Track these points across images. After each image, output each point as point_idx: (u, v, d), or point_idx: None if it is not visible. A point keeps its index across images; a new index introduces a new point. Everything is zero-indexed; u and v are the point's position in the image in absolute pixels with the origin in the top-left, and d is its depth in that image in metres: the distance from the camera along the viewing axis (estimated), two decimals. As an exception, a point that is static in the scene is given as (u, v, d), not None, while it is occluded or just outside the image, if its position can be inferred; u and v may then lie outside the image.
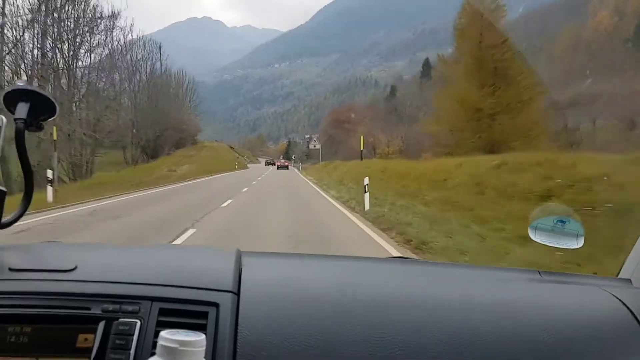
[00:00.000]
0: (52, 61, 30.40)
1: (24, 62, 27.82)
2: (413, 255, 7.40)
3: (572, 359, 0.91)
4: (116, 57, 40.45)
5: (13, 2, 27.52)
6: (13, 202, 1.05)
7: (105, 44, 37.23)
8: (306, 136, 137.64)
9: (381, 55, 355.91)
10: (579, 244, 1.29)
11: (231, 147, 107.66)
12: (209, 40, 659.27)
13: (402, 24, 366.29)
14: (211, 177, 40.05)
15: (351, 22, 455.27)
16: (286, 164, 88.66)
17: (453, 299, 1.04)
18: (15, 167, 14.05)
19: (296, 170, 69.43)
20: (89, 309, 0.85)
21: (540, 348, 0.91)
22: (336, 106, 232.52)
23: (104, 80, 38.21)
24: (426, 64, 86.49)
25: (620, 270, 1.30)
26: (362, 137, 32.29)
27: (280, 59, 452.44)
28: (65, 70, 31.71)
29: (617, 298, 1.08)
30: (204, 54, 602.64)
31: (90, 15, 33.68)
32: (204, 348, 0.70)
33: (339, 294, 1.01)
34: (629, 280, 1.24)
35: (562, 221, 1.31)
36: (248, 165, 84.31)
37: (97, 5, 38.51)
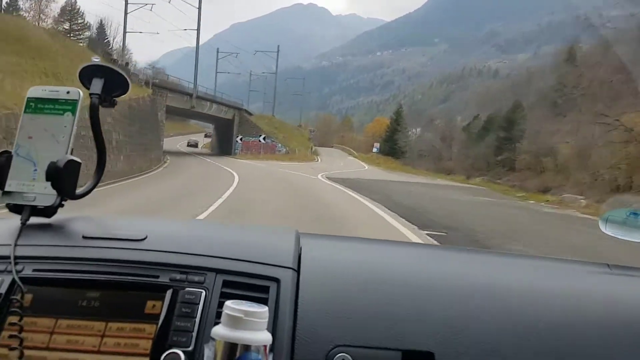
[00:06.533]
0: None
1: None
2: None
3: None
4: None
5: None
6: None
7: None
8: (412, 130, 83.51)
9: (498, 46, 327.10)
10: None
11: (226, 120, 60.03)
12: (312, 27, 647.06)
13: (524, 15, 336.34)
14: None
15: (463, 11, 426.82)
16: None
17: (519, 289, 1.03)
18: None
19: None
20: (157, 277, 0.89)
21: (607, 344, 0.89)
22: (443, 97, 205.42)
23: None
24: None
25: None
26: None
27: (382, 47, 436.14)
28: None
29: None
30: (305, 41, 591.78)
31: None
32: (267, 320, 0.72)
33: (400, 278, 1.01)
34: None
35: (635, 213, 1.23)
36: None
37: None
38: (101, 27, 72.89)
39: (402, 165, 61.64)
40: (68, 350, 0.80)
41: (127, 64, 36.74)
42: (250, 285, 0.90)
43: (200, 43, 52.83)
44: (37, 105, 1.03)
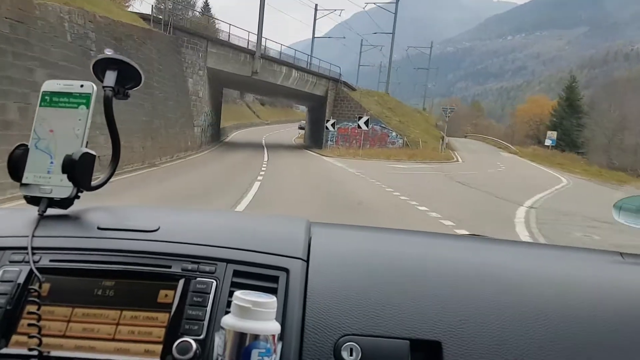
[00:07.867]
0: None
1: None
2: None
3: None
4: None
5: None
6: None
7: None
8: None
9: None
10: None
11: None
12: (436, 13, 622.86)
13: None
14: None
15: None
16: None
17: (529, 278, 1.02)
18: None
19: None
20: (169, 267, 0.91)
21: (619, 335, 0.88)
22: (585, 83, 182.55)
23: None
24: None
25: None
26: None
27: (514, 31, 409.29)
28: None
29: None
30: (429, 27, 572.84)
31: None
32: (275, 310, 0.74)
33: (409, 267, 1.02)
34: None
35: None
36: None
37: None
38: (206, 4, 65.74)
39: (602, 168, 37.99)
40: (84, 338, 0.82)
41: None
42: (260, 275, 0.91)
43: (324, 32, 42.39)
44: (52, 99, 1.03)
